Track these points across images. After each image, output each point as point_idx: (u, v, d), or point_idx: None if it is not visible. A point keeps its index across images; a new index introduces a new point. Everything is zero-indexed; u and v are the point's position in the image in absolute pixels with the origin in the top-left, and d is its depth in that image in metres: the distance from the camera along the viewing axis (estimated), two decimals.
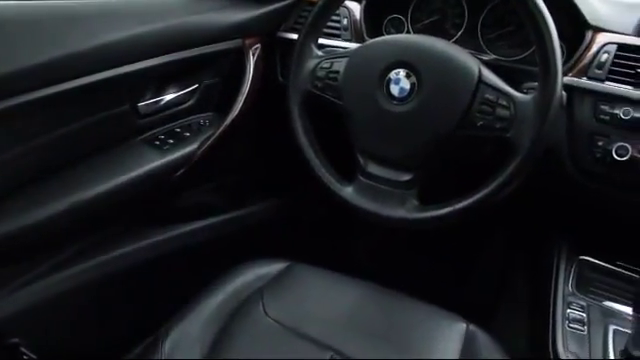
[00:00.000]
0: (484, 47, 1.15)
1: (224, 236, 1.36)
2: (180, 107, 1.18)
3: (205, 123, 1.21)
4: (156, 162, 1.09)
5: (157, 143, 1.13)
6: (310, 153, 0.98)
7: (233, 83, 1.21)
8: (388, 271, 1.33)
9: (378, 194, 0.92)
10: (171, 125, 1.18)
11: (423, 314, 0.94)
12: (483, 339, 0.90)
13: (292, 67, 1.00)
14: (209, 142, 1.16)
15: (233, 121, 1.18)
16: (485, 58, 1.12)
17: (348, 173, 0.97)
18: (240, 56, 1.21)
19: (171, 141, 1.14)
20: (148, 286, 1.21)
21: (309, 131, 0.99)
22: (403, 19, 1.23)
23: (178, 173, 1.13)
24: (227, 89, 1.21)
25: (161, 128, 1.17)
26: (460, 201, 0.87)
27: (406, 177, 0.91)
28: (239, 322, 0.89)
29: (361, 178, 0.94)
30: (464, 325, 0.91)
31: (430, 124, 0.88)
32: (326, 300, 0.95)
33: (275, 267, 1.02)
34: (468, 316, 0.94)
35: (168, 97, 1.15)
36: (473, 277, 1.58)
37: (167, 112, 1.16)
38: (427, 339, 0.89)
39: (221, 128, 1.18)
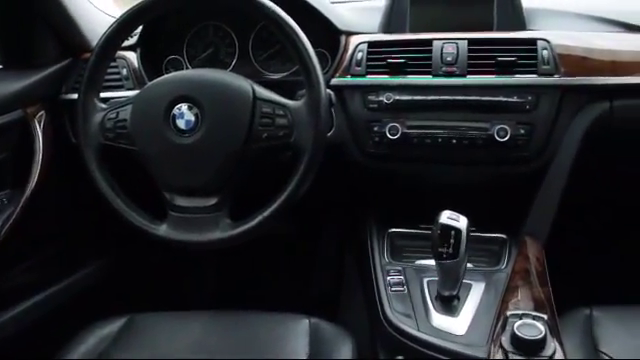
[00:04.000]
0: (259, 68, 1.26)
1: (60, 307, 1.30)
2: None
3: (3, 202, 1.15)
4: None
5: None
6: (118, 203, 0.98)
7: (25, 155, 1.16)
8: (236, 293, 1.36)
9: (192, 223, 0.95)
10: None
11: (268, 323, 0.99)
12: (326, 328, 0.97)
13: (79, 125, 1.00)
14: (12, 220, 1.11)
15: (33, 193, 1.14)
16: (263, 78, 1.22)
17: (162, 211, 0.99)
18: (26, 126, 1.17)
19: None
20: None
21: (111, 182, 1.00)
22: (180, 58, 1.29)
23: None
24: (19, 162, 1.17)
25: None
26: (267, 209, 0.94)
27: (213, 201, 0.95)
28: None
29: (172, 213, 0.97)
30: (307, 320, 0.98)
31: (220, 148, 0.94)
32: (174, 340, 0.96)
33: (116, 324, 1.00)
34: (316, 311, 1.01)
35: None
36: (315, 275, 1.67)
37: None
38: (276, 344, 0.94)
39: (21, 203, 1.13)
